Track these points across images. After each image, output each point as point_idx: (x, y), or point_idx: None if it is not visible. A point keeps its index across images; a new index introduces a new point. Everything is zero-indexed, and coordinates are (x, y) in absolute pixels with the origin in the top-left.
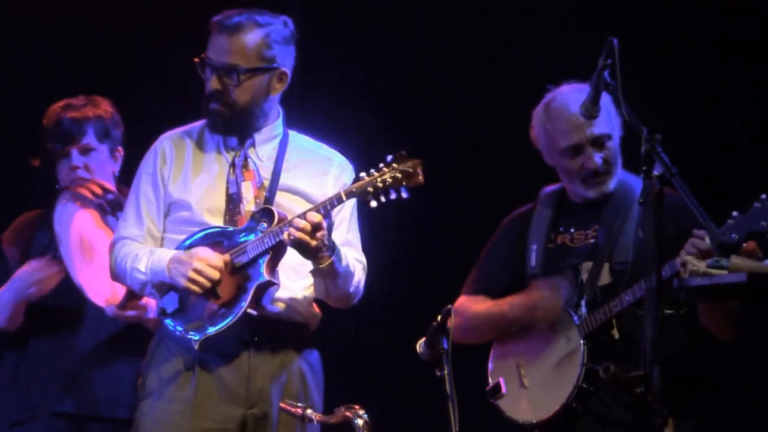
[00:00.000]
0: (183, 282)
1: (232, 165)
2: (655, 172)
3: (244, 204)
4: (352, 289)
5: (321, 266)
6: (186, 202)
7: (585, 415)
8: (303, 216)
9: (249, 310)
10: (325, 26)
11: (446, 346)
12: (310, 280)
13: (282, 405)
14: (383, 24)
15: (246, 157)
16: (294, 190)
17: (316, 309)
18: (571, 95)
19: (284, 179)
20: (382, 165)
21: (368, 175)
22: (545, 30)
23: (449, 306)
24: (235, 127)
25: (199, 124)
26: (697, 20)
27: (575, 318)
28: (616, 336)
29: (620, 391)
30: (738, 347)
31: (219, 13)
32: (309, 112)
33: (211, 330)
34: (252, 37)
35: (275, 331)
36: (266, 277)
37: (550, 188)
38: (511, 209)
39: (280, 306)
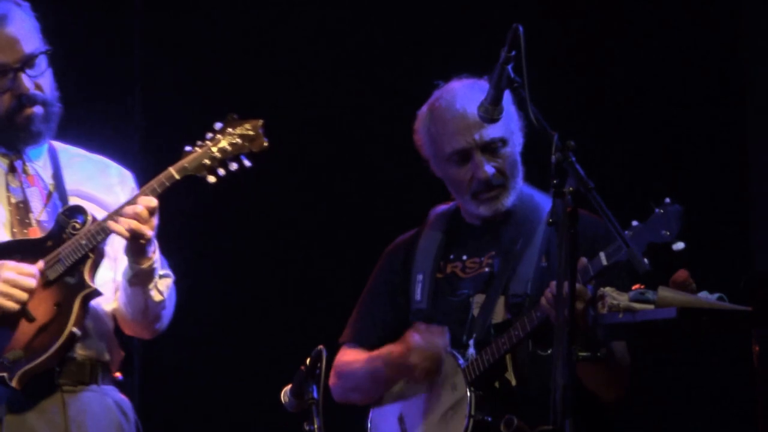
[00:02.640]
0: None
1: (11, 170)
2: (569, 187)
3: (35, 213)
4: (169, 305)
5: (143, 267)
6: None
7: None
8: (133, 201)
9: (73, 330)
10: None
11: (316, 395)
12: (111, 305)
13: None
14: None
15: (24, 162)
16: (84, 194)
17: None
18: (460, 92)
19: (70, 183)
20: (211, 134)
21: (197, 146)
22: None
23: (320, 347)
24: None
25: None
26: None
27: (461, 362)
28: (513, 381)
29: None
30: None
31: None
32: None
33: (34, 360)
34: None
35: (87, 373)
36: (92, 285)
37: (442, 207)
38: (398, 234)
39: (91, 341)
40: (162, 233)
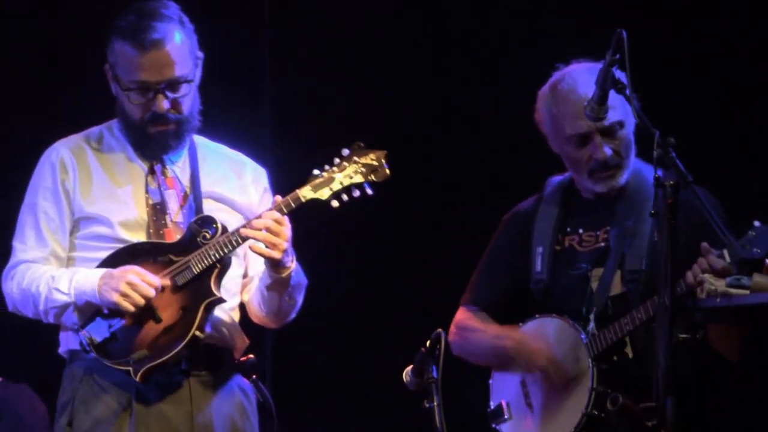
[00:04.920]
0: (114, 297)
1: (151, 172)
2: (669, 180)
3: (171, 215)
4: (301, 300)
5: (282, 276)
6: (100, 216)
7: None
8: (261, 216)
9: (197, 333)
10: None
11: (435, 375)
12: (237, 300)
13: None
14: None
15: (164, 164)
16: (218, 196)
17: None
18: (582, 76)
19: (205, 185)
20: (338, 160)
21: (324, 171)
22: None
23: (439, 330)
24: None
25: (96, 129)
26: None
27: (583, 336)
28: (630, 355)
29: (631, 424)
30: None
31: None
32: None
33: (158, 359)
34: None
35: (213, 359)
36: (216, 293)
37: (557, 178)
38: (512, 201)
39: (215, 330)
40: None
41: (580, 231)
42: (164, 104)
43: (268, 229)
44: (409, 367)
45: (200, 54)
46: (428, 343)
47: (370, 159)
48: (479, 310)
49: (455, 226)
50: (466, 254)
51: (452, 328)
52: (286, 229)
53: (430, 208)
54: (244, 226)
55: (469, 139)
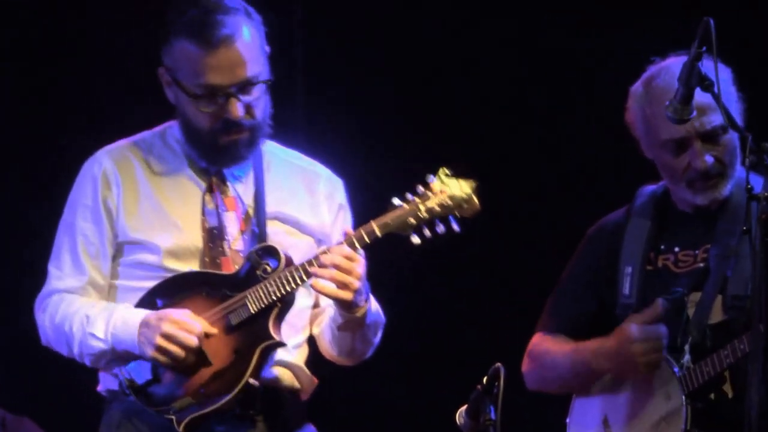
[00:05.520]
0: (150, 352)
1: (209, 190)
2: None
3: (229, 241)
4: (378, 340)
5: (355, 315)
6: (147, 242)
7: None
8: (330, 251)
9: (251, 381)
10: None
11: (494, 416)
12: (304, 335)
13: None
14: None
15: (224, 181)
16: (284, 217)
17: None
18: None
19: (271, 204)
20: (422, 188)
21: (406, 201)
22: None
23: (498, 365)
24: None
25: (146, 135)
26: None
27: (676, 369)
28: (730, 393)
29: None
30: None
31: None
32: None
33: (204, 408)
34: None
35: (272, 403)
36: (275, 337)
37: (650, 188)
38: (597, 213)
39: (278, 371)
40: None
41: (676, 249)
42: (238, 110)
43: (337, 267)
44: (463, 407)
45: (268, 48)
46: (485, 379)
47: (459, 189)
48: (554, 333)
49: (529, 241)
50: (539, 274)
51: (525, 358)
52: (359, 266)
53: (498, 219)
54: (310, 262)
55: (546, 142)
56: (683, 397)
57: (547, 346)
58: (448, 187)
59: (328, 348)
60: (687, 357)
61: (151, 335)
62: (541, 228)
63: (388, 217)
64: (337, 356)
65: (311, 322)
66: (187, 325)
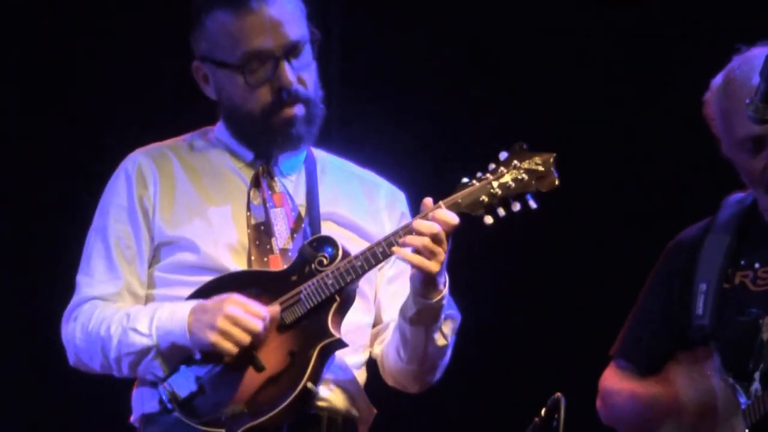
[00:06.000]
0: (210, 337)
1: (255, 185)
2: None
3: (278, 239)
4: (448, 353)
5: (432, 301)
6: (187, 241)
7: None
8: (434, 216)
9: (309, 385)
10: None
11: None
12: (365, 355)
13: None
14: None
15: (272, 175)
16: (341, 220)
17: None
18: (761, 63)
19: (325, 205)
20: (494, 165)
21: (476, 179)
22: None
23: (558, 395)
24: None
25: (186, 136)
26: None
27: (742, 399)
28: None
29: None
30: None
31: None
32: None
33: (258, 418)
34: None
35: (322, 430)
36: (335, 334)
37: (738, 196)
38: (683, 225)
39: (333, 393)
40: None
41: (756, 265)
42: (290, 75)
43: (432, 235)
44: None
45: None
46: (544, 411)
47: (535, 163)
48: (630, 366)
49: (602, 255)
50: (616, 288)
51: (598, 393)
52: (447, 241)
53: (569, 227)
54: (384, 240)
55: (627, 141)
56: (747, 430)
57: (614, 385)
58: (524, 162)
59: (393, 361)
60: (756, 385)
61: (211, 318)
62: (619, 238)
63: (458, 196)
64: (404, 368)
65: (372, 342)
66: (252, 308)
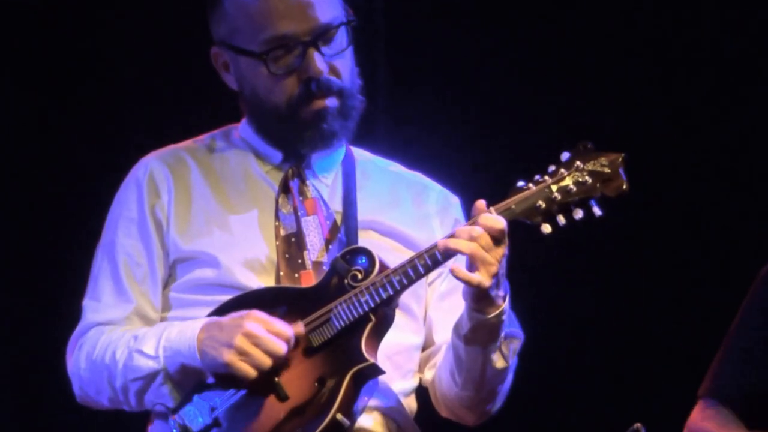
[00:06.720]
0: (225, 356)
1: (284, 190)
2: None
3: (310, 252)
4: (509, 378)
5: (489, 317)
6: (206, 255)
7: None
8: (480, 221)
9: (338, 417)
10: None
11: None
12: (414, 381)
13: None
14: None
15: (304, 179)
16: (382, 228)
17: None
18: None
19: (365, 212)
20: (554, 167)
21: (532, 182)
22: None
23: (637, 426)
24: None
25: (205, 136)
26: None
27: None
28: None
29: None
30: None
31: None
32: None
33: None
34: None
35: None
36: (369, 359)
37: None
38: None
39: (378, 422)
40: None
41: None
42: (319, 64)
43: (477, 239)
44: None
45: None
46: None
47: (600, 165)
48: (721, 405)
49: (691, 276)
50: (699, 318)
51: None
52: (502, 246)
53: (650, 249)
54: (425, 251)
55: (708, 140)
56: None
57: (707, 428)
58: (588, 164)
59: (447, 387)
60: None
61: (228, 336)
62: (707, 260)
63: (512, 201)
64: (459, 394)
65: (421, 367)
66: (276, 326)
